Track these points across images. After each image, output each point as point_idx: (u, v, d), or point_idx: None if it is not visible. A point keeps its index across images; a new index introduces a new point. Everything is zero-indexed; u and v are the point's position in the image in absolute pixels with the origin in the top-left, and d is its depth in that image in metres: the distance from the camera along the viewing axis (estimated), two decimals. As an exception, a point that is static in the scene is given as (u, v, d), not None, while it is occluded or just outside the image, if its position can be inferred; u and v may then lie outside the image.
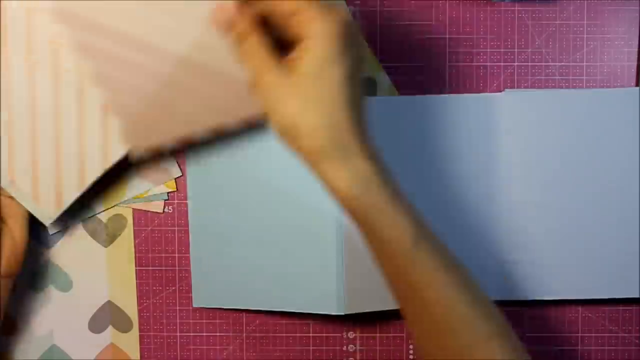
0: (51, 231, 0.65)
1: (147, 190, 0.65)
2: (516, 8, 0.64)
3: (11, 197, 0.60)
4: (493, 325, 0.51)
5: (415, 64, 0.64)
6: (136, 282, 0.66)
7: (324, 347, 0.67)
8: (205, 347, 0.66)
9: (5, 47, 0.58)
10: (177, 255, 0.66)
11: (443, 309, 0.50)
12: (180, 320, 0.66)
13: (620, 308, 0.66)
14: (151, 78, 0.56)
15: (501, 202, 0.63)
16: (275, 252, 0.63)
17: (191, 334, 0.66)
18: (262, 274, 0.64)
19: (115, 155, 0.60)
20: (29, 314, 0.66)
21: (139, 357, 0.66)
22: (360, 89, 0.50)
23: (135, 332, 0.66)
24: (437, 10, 0.64)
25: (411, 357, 0.66)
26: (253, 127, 0.61)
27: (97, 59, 0.56)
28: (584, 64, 0.64)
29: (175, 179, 0.65)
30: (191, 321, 0.66)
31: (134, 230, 0.66)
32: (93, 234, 0.66)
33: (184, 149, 0.64)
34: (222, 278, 0.64)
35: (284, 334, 0.67)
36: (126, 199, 0.65)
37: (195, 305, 0.65)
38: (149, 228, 0.66)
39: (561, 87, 0.64)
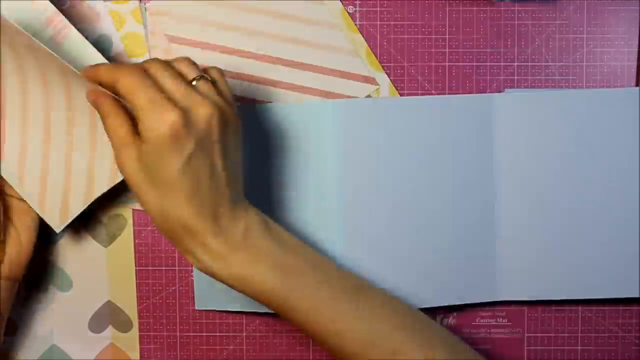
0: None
1: None
2: (516, 8, 0.64)
3: (22, 200, 0.60)
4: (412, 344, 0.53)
5: (415, 64, 0.64)
6: (136, 282, 0.66)
7: (324, 347, 0.67)
8: (205, 347, 0.66)
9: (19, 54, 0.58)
10: (177, 255, 0.66)
11: (335, 339, 0.53)
12: (180, 320, 0.66)
13: (620, 308, 0.66)
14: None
15: (501, 202, 0.63)
16: None
17: (191, 334, 0.66)
18: None
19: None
20: (29, 314, 0.66)
21: (139, 357, 0.66)
22: (209, 174, 0.52)
23: (135, 332, 0.66)
24: (437, 10, 0.64)
25: (411, 357, 0.66)
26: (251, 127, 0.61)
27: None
28: (584, 64, 0.64)
29: None
30: (191, 321, 0.66)
31: (134, 230, 0.66)
32: (93, 234, 0.66)
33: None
34: None
35: (284, 334, 0.67)
36: (126, 199, 0.65)
37: (197, 308, 0.65)
38: (149, 228, 0.66)
39: (561, 87, 0.64)
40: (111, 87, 0.52)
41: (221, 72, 0.55)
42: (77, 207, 0.61)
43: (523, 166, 0.63)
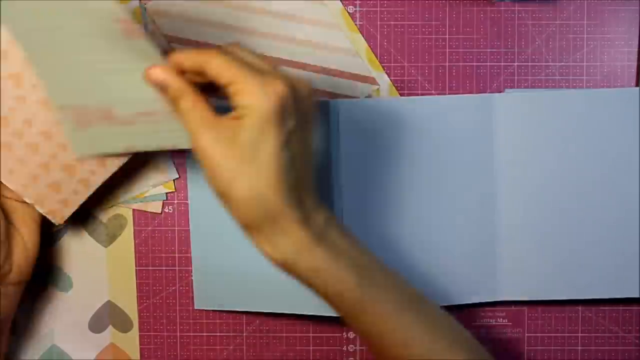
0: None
1: (145, 191, 0.65)
2: (516, 8, 0.64)
3: (23, 202, 0.60)
4: (457, 353, 0.51)
5: (415, 64, 0.64)
6: (136, 282, 0.66)
7: (324, 347, 0.67)
8: (205, 347, 0.66)
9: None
10: (177, 255, 0.66)
11: (401, 350, 0.51)
12: (180, 320, 0.66)
13: (620, 308, 0.66)
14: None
15: (501, 202, 0.63)
16: None
17: (191, 334, 0.66)
18: (264, 276, 0.63)
19: (121, 159, 0.60)
20: (29, 314, 0.66)
21: (139, 357, 0.67)
22: (301, 156, 0.49)
23: (135, 332, 0.66)
24: (437, 10, 0.64)
25: (411, 357, 0.66)
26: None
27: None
28: (584, 64, 0.64)
29: (173, 180, 0.65)
30: (191, 321, 0.66)
31: (134, 230, 0.66)
32: (93, 234, 0.66)
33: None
34: (224, 280, 0.64)
35: (284, 334, 0.67)
36: (125, 199, 0.65)
37: (197, 307, 0.65)
38: (149, 228, 0.66)
39: (561, 87, 0.64)
40: (198, 71, 0.49)
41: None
42: (77, 200, 0.61)
43: (523, 166, 0.63)
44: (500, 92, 0.64)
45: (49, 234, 0.65)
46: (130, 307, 0.66)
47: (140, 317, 0.66)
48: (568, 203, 0.63)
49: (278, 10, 0.64)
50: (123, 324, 0.66)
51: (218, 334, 0.66)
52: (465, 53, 0.64)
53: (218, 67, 0.48)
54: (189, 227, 0.65)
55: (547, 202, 0.63)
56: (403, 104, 0.63)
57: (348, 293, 0.50)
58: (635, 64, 0.64)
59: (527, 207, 0.63)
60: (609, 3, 0.64)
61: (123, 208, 0.65)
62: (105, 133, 0.55)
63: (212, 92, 0.50)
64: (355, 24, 0.64)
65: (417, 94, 0.64)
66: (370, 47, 0.64)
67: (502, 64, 0.64)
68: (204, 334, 0.66)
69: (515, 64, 0.64)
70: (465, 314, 0.66)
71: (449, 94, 0.64)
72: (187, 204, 0.65)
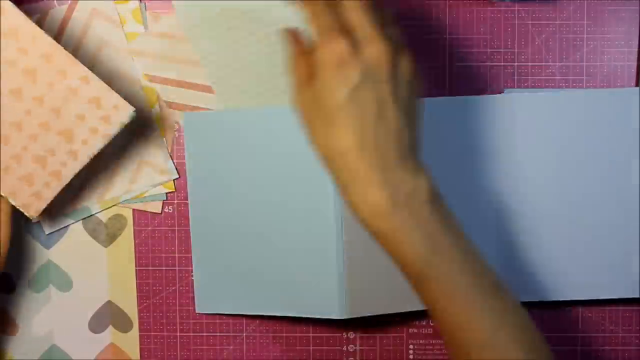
0: (47, 231, 0.65)
1: (145, 191, 0.65)
2: (516, 8, 0.64)
3: None
4: (518, 348, 0.51)
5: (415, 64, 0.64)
6: (136, 282, 0.66)
7: (324, 347, 0.67)
8: (205, 347, 0.66)
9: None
10: (177, 255, 0.66)
11: (460, 333, 0.51)
12: (180, 320, 0.66)
13: (620, 308, 0.66)
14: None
15: (501, 202, 0.63)
16: (277, 258, 0.63)
17: (191, 334, 0.66)
18: (264, 279, 0.64)
19: (93, 149, 0.60)
20: (29, 314, 0.66)
21: (139, 357, 0.67)
22: (385, 117, 0.50)
23: (135, 332, 0.66)
24: (437, 10, 0.64)
25: (411, 357, 0.66)
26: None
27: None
28: (584, 64, 0.64)
29: (173, 180, 0.65)
30: (191, 321, 0.66)
31: (134, 230, 0.66)
32: (93, 234, 0.66)
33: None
34: (225, 284, 0.64)
35: (284, 334, 0.67)
36: (124, 199, 0.65)
37: (198, 311, 0.65)
38: (149, 228, 0.66)
39: (561, 87, 0.64)
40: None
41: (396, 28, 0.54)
42: (49, 193, 0.60)
43: (523, 166, 0.63)
44: (500, 92, 0.64)
45: (49, 234, 0.65)
46: (130, 307, 0.66)
47: (140, 317, 0.66)
48: (568, 203, 0.63)
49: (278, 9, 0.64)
50: (123, 324, 0.66)
51: (218, 334, 0.66)
52: (465, 53, 0.64)
53: (309, 14, 0.52)
54: (189, 227, 0.65)
55: (547, 202, 0.63)
56: None
57: (415, 264, 0.50)
58: (635, 64, 0.64)
59: (527, 207, 0.63)
60: (609, 3, 0.64)
61: (123, 208, 0.65)
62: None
63: None
64: (355, 24, 0.64)
65: (417, 94, 0.64)
66: (370, 47, 0.64)
67: (502, 64, 0.64)
68: (204, 334, 0.66)
69: (515, 64, 0.64)
70: (465, 314, 0.66)
71: (449, 94, 0.64)
72: (187, 204, 0.65)
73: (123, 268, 0.66)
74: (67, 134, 0.60)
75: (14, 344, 0.66)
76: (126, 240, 0.66)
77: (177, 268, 0.66)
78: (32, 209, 0.60)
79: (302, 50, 0.53)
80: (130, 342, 0.66)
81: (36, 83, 0.59)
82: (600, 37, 0.64)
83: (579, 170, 0.63)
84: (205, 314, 0.66)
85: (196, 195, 0.64)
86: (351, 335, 0.67)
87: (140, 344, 0.66)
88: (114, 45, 0.64)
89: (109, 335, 0.66)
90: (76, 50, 0.64)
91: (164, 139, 0.65)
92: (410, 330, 0.66)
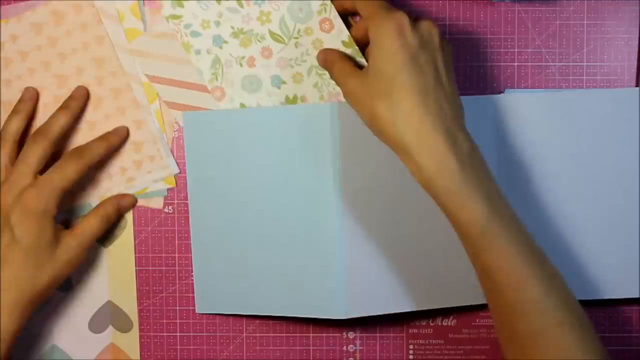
0: None
1: (146, 187, 0.65)
2: (516, 8, 0.64)
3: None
4: (565, 312, 0.52)
5: (415, 64, 0.64)
6: (136, 282, 0.66)
7: (324, 347, 0.67)
8: (205, 347, 0.66)
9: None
10: (177, 255, 0.66)
11: (514, 294, 0.52)
12: (180, 320, 0.66)
13: (620, 308, 0.66)
14: None
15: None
16: (277, 258, 0.63)
17: (191, 334, 0.66)
18: (265, 279, 0.64)
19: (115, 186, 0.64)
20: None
21: (139, 357, 0.66)
22: (438, 84, 0.54)
23: (135, 332, 0.66)
24: (437, 10, 0.64)
25: (411, 357, 0.66)
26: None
27: None
28: (584, 64, 0.64)
29: (174, 175, 0.65)
30: (191, 321, 0.66)
31: (134, 230, 0.66)
32: (93, 234, 0.66)
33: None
34: (225, 284, 0.64)
35: (284, 334, 0.67)
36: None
37: (198, 311, 0.65)
38: (149, 228, 0.66)
39: (561, 87, 0.64)
40: (351, 9, 0.60)
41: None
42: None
43: (523, 166, 0.63)
44: (500, 92, 0.64)
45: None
46: (130, 307, 0.66)
47: (140, 317, 0.66)
48: (568, 203, 0.63)
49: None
50: (123, 324, 0.66)
51: (218, 334, 0.66)
52: (465, 53, 0.64)
53: (361, 4, 0.57)
54: (189, 227, 0.65)
55: (547, 201, 0.63)
56: None
57: (478, 222, 0.52)
58: (635, 64, 0.64)
59: (527, 206, 0.63)
60: (609, 3, 0.64)
61: (123, 208, 0.65)
62: None
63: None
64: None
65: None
66: (370, 47, 0.64)
67: (502, 64, 0.64)
68: (204, 334, 0.66)
69: (515, 64, 0.64)
70: (466, 314, 0.66)
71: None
72: (187, 204, 0.65)
73: (123, 268, 0.66)
74: (98, 163, 0.63)
75: (14, 344, 0.66)
76: (126, 240, 0.66)
77: (177, 268, 0.66)
78: None
79: (341, 56, 0.60)
80: (130, 342, 0.66)
81: (96, 110, 0.64)
82: (600, 37, 0.64)
83: (578, 170, 0.63)
84: (205, 314, 0.66)
85: (196, 195, 0.64)
86: (351, 335, 0.67)
87: (140, 344, 0.66)
88: (114, 43, 0.64)
89: (109, 335, 0.66)
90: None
91: (164, 134, 0.65)
92: (410, 330, 0.66)
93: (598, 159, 0.63)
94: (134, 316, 0.66)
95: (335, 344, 0.67)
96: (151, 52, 0.64)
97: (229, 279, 0.64)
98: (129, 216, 0.65)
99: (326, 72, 0.62)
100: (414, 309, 0.63)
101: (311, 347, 0.66)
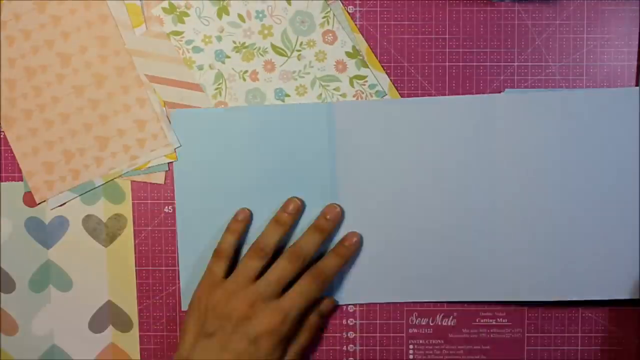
0: (51, 205, 0.65)
1: (146, 162, 0.65)
2: (516, 8, 0.64)
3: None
4: None
5: (415, 64, 0.64)
6: (136, 282, 0.66)
7: (324, 347, 0.67)
8: (205, 347, 0.66)
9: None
10: (177, 255, 0.66)
11: None
12: (181, 320, 0.66)
13: (621, 308, 0.66)
14: None
15: (501, 202, 0.63)
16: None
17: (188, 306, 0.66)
18: None
19: (119, 164, 0.64)
20: (29, 314, 0.66)
21: (139, 357, 0.67)
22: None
23: (135, 332, 0.66)
24: (437, 10, 0.64)
25: (411, 357, 0.66)
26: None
27: None
28: (584, 64, 0.64)
29: (175, 149, 0.65)
30: (191, 321, 0.66)
31: (134, 230, 0.66)
32: (93, 234, 0.66)
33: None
34: None
35: (284, 334, 0.66)
36: (126, 172, 0.65)
37: (184, 309, 0.65)
38: (149, 228, 0.66)
39: (561, 87, 0.64)
40: None
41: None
42: (61, 187, 0.64)
43: (523, 166, 0.63)
44: (500, 92, 0.64)
45: (49, 234, 0.65)
46: (130, 307, 0.66)
47: (140, 317, 0.66)
48: (568, 203, 0.63)
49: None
50: (123, 324, 0.66)
51: (218, 334, 0.66)
52: (465, 53, 0.64)
53: None
54: (177, 235, 0.65)
55: (547, 202, 0.63)
56: (402, 106, 0.63)
57: None
58: (635, 64, 0.64)
59: (527, 207, 0.63)
60: (609, 3, 0.64)
61: (123, 208, 0.65)
62: None
63: None
64: (355, 24, 0.64)
65: (417, 94, 0.64)
66: (370, 47, 0.64)
67: (502, 64, 0.64)
68: (204, 334, 0.66)
69: (515, 64, 0.64)
70: (465, 314, 0.66)
71: (449, 94, 0.64)
72: (187, 204, 0.65)
73: (123, 268, 0.66)
74: (102, 142, 0.64)
75: (14, 344, 0.66)
76: (126, 240, 0.66)
77: (177, 268, 0.66)
78: (39, 195, 0.64)
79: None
80: (130, 342, 0.66)
81: (100, 89, 0.64)
82: (600, 37, 0.64)
83: (578, 170, 0.63)
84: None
85: (183, 195, 0.64)
86: (351, 335, 0.67)
87: (140, 344, 0.66)
88: (117, 21, 0.64)
89: (109, 335, 0.66)
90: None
91: (164, 108, 0.65)
92: (410, 330, 0.67)
93: (598, 158, 0.63)
94: (134, 316, 0.66)
95: (335, 344, 0.67)
96: (150, 52, 0.64)
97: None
98: (129, 216, 0.65)
99: (330, 84, 0.62)
100: (409, 300, 0.64)
101: (311, 347, 0.66)
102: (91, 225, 0.65)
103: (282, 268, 0.60)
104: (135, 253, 0.66)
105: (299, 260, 0.60)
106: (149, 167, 0.65)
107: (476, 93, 0.64)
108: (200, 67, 0.64)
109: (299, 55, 0.62)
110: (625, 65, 0.64)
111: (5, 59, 0.64)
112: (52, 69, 0.64)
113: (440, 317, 0.66)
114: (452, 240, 0.64)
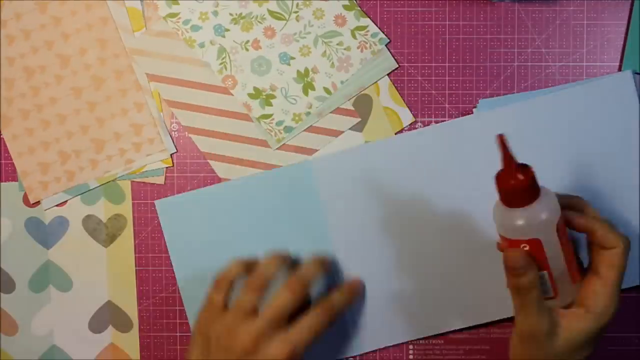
0: (45, 206, 0.65)
1: (142, 166, 0.65)
2: (516, 8, 0.64)
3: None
4: None
5: (415, 64, 0.64)
6: (136, 282, 0.66)
7: (324, 347, 0.67)
8: (205, 347, 0.66)
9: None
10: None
11: None
12: (180, 320, 0.66)
13: (620, 308, 0.66)
14: None
15: (490, 231, 0.63)
16: None
17: (191, 334, 0.66)
18: None
19: (114, 168, 0.64)
20: (29, 314, 0.66)
21: (139, 357, 0.67)
22: None
23: (135, 332, 0.66)
24: (437, 10, 0.64)
25: (411, 357, 0.66)
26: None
27: None
28: (584, 63, 0.64)
29: (170, 155, 0.65)
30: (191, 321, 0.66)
31: (134, 230, 0.66)
32: (93, 234, 0.66)
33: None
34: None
35: (284, 334, 0.66)
36: (122, 175, 0.65)
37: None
38: (149, 228, 0.66)
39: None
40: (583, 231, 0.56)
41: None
42: (56, 188, 0.64)
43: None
44: (500, 92, 0.64)
45: (48, 235, 0.65)
46: (130, 307, 0.66)
47: (140, 317, 0.66)
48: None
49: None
50: (123, 324, 0.66)
51: (218, 334, 0.66)
52: (465, 53, 0.64)
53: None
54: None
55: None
56: (375, 147, 0.63)
57: None
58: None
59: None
60: (609, 3, 0.64)
61: (123, 208, 0.65)
62: None
63: None
64: (355, 24, 0.64)
65: (417, 94, 0.64)
66: (370, 47, 0.64)
67: (502, 64, 0.64)
68: (204, 334, 0.66)
69: (515, 64, 0.64)
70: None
71: (449, 94, 0.64)
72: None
73: (123, 268, 0.66)
74: (98, 144, 0.64)
75: (14, 344, 0.66)
76: (126, 240, 0.66)
77: (177, 268, 0.66)
78: (33, 195, 0.64)
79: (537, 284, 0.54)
80: (130, 342, 0.66)
81: (98, 91, 0.64)
82: (600, 37, 0.64)
83: (578, 169, 0.63)
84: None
85: (183, 274, 0.65)
86: (351, 335, 0.67)
87: (140, 344, 0.67)
88: (118, 25, 0.64)
89: (109, 335, 0.66)
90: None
91: (161, 113, 0.65)
92: (410, 330, 0.67)
93: (597, 159, 0.63)
94: (134, 316, 0.66)
95: (335, 344, 0.67)
96: (151, 50, 0.64)
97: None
98: (129, 216, 0.65)
99: (332, 39, 0.62)
100: (408, 339, 0.65)
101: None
102: (91, 225, 0.65)
103: (283, 298, 0.58)
104: (135, 253, 0.66)
105: (300, 290, 0.59)
106: (144, 172, 0.65)
107: (476, 93, 0.64)
108: (202, 45, 0.63)
109: (297, 16, 0.62)
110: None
111: (4, 58, 0.64)
112: (51, 70, 0.64)
113: (440, 317, 0.66)
114: (452, 244, 0.63)
